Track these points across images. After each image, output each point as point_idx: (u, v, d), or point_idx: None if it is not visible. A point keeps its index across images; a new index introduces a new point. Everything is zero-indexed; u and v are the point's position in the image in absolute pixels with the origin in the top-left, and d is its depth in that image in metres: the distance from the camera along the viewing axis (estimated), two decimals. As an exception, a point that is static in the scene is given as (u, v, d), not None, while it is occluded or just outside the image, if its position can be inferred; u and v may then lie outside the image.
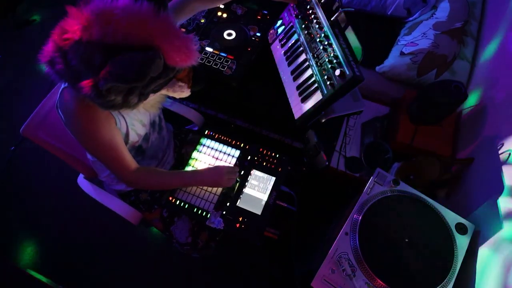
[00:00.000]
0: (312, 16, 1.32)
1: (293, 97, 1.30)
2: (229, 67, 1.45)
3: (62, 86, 0.92)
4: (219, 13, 1.61)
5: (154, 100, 1.06)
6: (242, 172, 1.26)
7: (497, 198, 0.98)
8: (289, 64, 1.36)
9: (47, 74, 0.81)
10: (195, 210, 1.20)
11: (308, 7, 1.35)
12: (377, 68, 1.60)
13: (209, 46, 1.50)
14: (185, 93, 1.01)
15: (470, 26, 1.56)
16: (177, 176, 1.19)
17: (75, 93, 0.87)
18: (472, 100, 1.39)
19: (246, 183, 1.24)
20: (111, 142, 0.98)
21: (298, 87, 1.29)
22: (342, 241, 1.00)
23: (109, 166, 1.06)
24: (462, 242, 0.99)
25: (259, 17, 1.60)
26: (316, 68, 1.24)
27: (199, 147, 1.34)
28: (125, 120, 1.01)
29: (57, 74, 0.80)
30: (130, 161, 1.07)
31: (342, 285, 0.95)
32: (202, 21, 1.58)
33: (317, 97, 1.21)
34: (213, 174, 1.18)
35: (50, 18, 2.69)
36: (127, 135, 1.05)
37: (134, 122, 1.05)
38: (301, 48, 1.33)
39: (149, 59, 0.74)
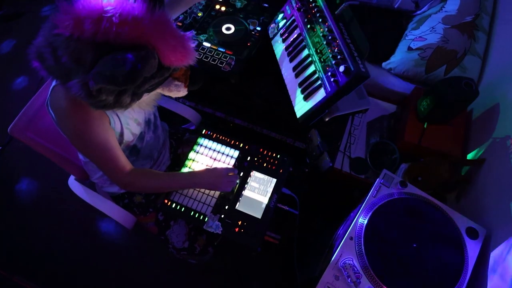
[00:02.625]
0: (315, 10, 1.32)
1: (295, 94, 1.31)
2: (228, 63, 1.45)
3: (53, 83, 0.93)
4: (217, 6, 1.61)
5: (149, 98, 1.06)
6: (242, 174, 1.26)
7: (510, 201, 0.98)
8: (291, 60, 1.36)
9: (36, 68, 0.81)
10: (192, 214, 1.20)
11: (311, -1, 1.35)
12: (384, 64, 1.60)
13: (206, 41, 1.50)
14: (182, 92, 1.02)
15: (482, 20, 1.56)
16: (174, 178, 1.19)
17: (66, 91, 0.87)
18: (483, 98, 1.39)
19: (246, 185, 1.24)
20: (105, 142, 0.98)
21: (300, 84, 1.29)
22: (346, 246, 1.00)
23: (103, 168, 1.06)
24: (473, 247, 0.99)
25: (259, 11, 1.60)
26: (319, 64, 1.24)
27: (196, 147, 1.34)
28: (119, 119, 1.01)
29: (47, 70, 0.80)
30: (125, 162, 1.07)
31: (347, 293, 0.95)
32: (200, 14, 1.58)
33: (320, 94, 1.21)
34: (212, 177, 1.18)
35: (39, 12, 2.68)
36: (121, 134, 1.05)
37: (129, 121, 1.05)
38: (304, 43, 1.33)
39: (142, 59, 0.74)
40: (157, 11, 0.76)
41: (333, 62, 1.19)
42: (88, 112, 0.90)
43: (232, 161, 1.30)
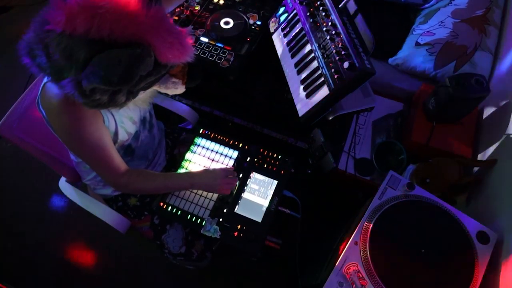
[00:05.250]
0: (318, 3, 1.33)
1: (297, 92, 1.31)
2: (227, 59, 1.45)
3: (44, 80, 0.93)
4: (216, -1, 1.61)
5: (145, 95, 1.06)
6: (241, 175, 1.27)
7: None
8: (292, 56, 1.36)
9: (26, 65, 0.81)
10: (189, 217, 1.21)
11: (314, -8, 1.36)
12: (390, 60, 1.60)
13: (204, 36, 1.51)
14: (179, 89, 1.02)
15: (493, 14, 1.56)
16: (170, 179, 1.19)
17: (58, 88, 0.87)
18: (494, 95, 1.39)
19: (245, 187, 1.25)
20: (99, 142, 0.98)
21: (302, 81, 1.29)
22: (351, 251, 1.01)
23: (96, 169, 1.07)
24: (483, 253, 1.00)
25: (259, 4, 1.60)
26: (322, 60, 1.24)
27: (193, 148, 1.34)
28: (114, 118, 1.01)
29: (38, 67, 0.80)
30: (120, 162, 1.07)
31: (351, 300, 0.95)
32: (197, 8, 1.59)
33: (323, 92, 1.21)
34: (210, 178, 1.19)
35: (29, 5, 2.68)
36: (116, 134, 1.05)
37: (124, 120, 1.06)
38: (306, 38, 1.33)
39: (137, 58, 0.74)
40: (153, 6, 0.76)
41: (337, 58, 1.19)
42: (81, 110, 0.90)
43: (231, 162, 1.31)
